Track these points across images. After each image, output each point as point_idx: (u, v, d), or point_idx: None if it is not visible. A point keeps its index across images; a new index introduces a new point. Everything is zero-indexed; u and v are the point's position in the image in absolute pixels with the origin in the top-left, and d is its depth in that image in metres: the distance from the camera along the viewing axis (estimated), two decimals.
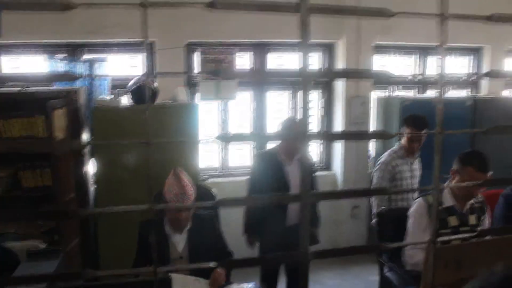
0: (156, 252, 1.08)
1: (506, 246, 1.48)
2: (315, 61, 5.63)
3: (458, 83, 6.29)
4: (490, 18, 1.24)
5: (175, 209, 2.86)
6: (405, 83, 5.92)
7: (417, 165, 4.24)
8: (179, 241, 2.97)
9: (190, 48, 5.13)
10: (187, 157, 4.22)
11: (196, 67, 5.16)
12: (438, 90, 1.26)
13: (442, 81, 1.20)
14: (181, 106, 4.43)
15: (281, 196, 1.01)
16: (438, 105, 1.21)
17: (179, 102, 4.50)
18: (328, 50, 5.59)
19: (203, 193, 3.55)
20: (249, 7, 1.00)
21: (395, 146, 4.27)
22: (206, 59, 5.14)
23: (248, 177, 4.13)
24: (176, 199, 2.78)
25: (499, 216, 3.65)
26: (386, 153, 4.26)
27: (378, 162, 4.30)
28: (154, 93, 4.38)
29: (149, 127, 1.01)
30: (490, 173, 2.88)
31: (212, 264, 1.00)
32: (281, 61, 5.53)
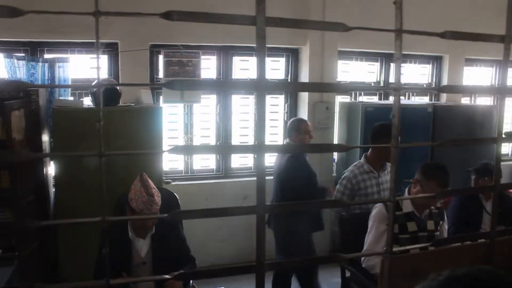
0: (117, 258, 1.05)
1: (462, 254, 1.52)
2: (281, 65, 5.66)
3: (418, 90, 6.43)
4: (443, 35, 1.27)
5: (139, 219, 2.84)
6: (361, 89, 5.98)
7: (387, 176, 4.01)
8: (142, 246, 2.94)
9: (154, 50, 5.07)
10: (150, 160, 4.17)
11: (160, 70, 5.11)
12: (395, 101, 1.28)
13: (398, 94, 1.23)
14: (145, 109, 4.37)
15: (236, 208, 1.00)
16: (394, 120, 1.24)
17: (142, 105, 4.44)
18: (293, 55, 5.62)
19: (167, 197, 3.51)
20: (205, 19, 1.00)
21: (361, 160, 4.06)
22: (170, 62, 5.10)
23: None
24: (144, 206, 2.76)
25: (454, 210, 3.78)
26: (350, 168, 4.06)
27: (342, 176, 4.09)
28: (117, 95, 4.31)
29: (101, 138, 0.99)
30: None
31: (168, 276, 0.99)
32: (246, 64, 5.51)
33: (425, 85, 6.45)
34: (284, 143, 4.65)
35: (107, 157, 0.97)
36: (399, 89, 1.21)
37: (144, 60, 4.95)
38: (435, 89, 6.27)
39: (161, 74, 5.09)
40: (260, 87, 1.03)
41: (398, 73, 1.24)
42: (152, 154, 4.29)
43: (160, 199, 2.87)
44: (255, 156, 1.07)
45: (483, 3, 5.80)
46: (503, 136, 1.45)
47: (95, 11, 0.95)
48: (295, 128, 4.28)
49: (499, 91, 1.43)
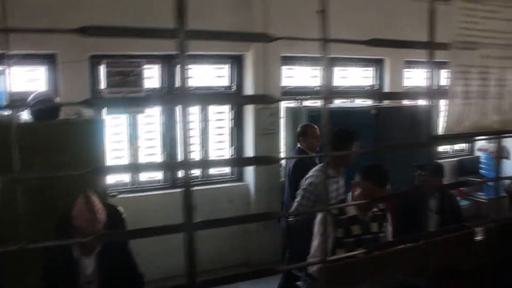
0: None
1: (399, 258, 1.54)
2: (225, 72, 5.64)
3: (350, 95, 6.55)
4: (369, 43, 1.29)
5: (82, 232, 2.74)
6: (295, 97, 5.99)
7: (342, 182, 4.04)
8: (88, 265, 2.85)
9: (95, 60, 4.94)
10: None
11: (102, 81, 4.98)
12: (323, 108, 1.29)
13: (327, 102, 1.24)
14: (85, 121, 4.24)
15: (162, 227, 0.97)
16: (324, 129, 1.24)
17: (83, 118, 4.31)
18: (237, 61, 5.62)
19: (111, 212, 3.42)
20: (124, 34, 0.97)
21: (322, 164, 3.87)
22: (112, 72, 4.98)
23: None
24: (87, 224, 2.67)
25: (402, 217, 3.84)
26: (314, 173, 3.94)
27: (308, 181, 3.94)
28: (56, 109, 4.16)
29: (17, 164, 0.93)
30: (388, 187, 3.03)
31: None
32: (190, 73, 5.46)
33: (367, 88, 6.59)
34: (296, 148, 4.79)
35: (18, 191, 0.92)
36: (328, 97, 1.22)
37: (84, 71, 4.81)
38: (366, 93, 6.40)
39: (102, 85, 4.95)
40: (181, 99, 1.01)
41: (327, 80, 1.25)
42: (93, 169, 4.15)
43: (105, 216, 2.79)
44: (181, 172, 1.05)
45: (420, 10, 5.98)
46: (433, 139, 1.48)
47: (3, 28, 0.90)
48: (303, 132, 4.58)
49: (430, 95, 1.47)
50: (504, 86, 1.62)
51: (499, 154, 7.05)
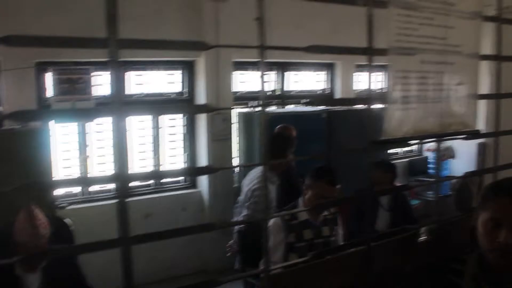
0: None
1: (342, 263, 1.55)
2: (177, 78, 5.58)
3: (294, 99, 6.59)
4: (308, 50, 1.30)
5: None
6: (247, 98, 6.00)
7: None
8: (33, 282, 2.73)
9: (41, 67, 4.79)
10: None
11: (49, 88, 4.83)
12: (261, 117, 1.28)
13: (263, 110, 1.23)
14: (30, 131, 4.09)
15: (97, 243, 0.94)
16: (261, 136, 1.24)
17: (28, 127, 4.16)
18: (189, 67, 5.57)
19: (58, 225, 3.31)
20: (50, 44, 0.93)
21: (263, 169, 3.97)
22: (59, 79, 4.84)
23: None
24: (30, 240, 2.57)
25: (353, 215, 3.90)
26: (259, 184, 3.96)
27: (255, 193, 3.97)
28: None
29: None
30: (338, 186, 3.07)
31: None
32: (141, 79, 5.37)
33: (320, 91, 6.67)
34: None
35: None
36: (265, 104, 1.21)
37: (30, 79, 4.65)
38: (305, 98, 6.49)
39: (50, 93, 4.80)
40: (115, 107, 0.98)
41: (263, 87, 1.25)
42: (41, 178, 4.02)
43: (49, 230, 2.69)
44: (116, 185, 1.02)
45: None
46: (374, 144, 1.50)
47: None
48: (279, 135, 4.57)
49: (367, 101, 1.49)
50: (442, 90, 1.66)
51: (445, 155, 7.29)
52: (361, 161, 4.60)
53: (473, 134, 1.82)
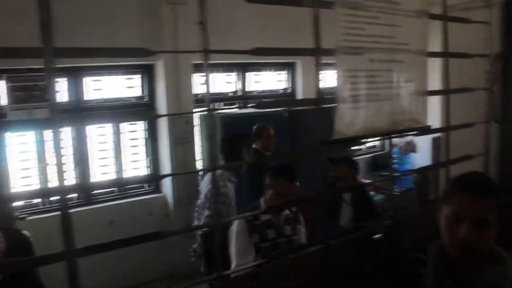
0: None
1: (299, 264, 1.55)
2: (136, 83, 5.50)
3: (273, 97, 6.64)
4: (253, 52, 1.29)
5: None
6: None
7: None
8: None
9: None
10: None
11: (3, 96, 4.68)
12: (209, 118, 1.27)
13: (210, 114, 1.22)
14: None
15: (43, 257, 0.91)
16: (209, 138, 1.23)
17: None
18: (148, 71, 5.50)
19: (15, 237, 3.22)
20: None
21: (221, 171, 3.99)
22: (14, 87, 4.71)
23: None
24: None
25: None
26: (221, 183, 3.92)
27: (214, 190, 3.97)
28: None
29: None
30: (297, 183, 3.08)
31: None
32: (99, 84, 5.27)
33: (281, 91, 6.70)
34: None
35: None
36: (211, 110, 1.20)
37: None
38: (267, 98, 6.52)
39: (4, 101, 4.66)
40: (75, 119, 0.95)
41: (208, 89, 1.25)
42: None
43: (4, 243, 2.61)
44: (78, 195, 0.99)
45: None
46: (324, 144, 1.51)
47: None
48: (256, 134, 4.86)
49: (316, 102, 1.49)
50: (392, 88, 1.68)
51: (407, 149, 7.41)
52: (323, 159, 4.68)
53: (424, 130, 1.85)
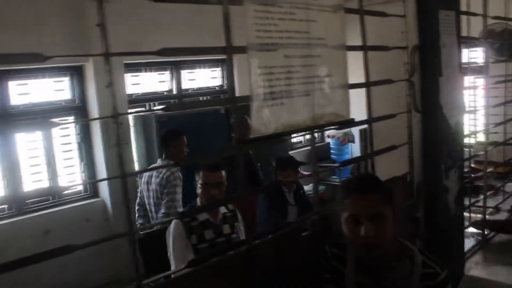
0: None
1: (224, 266, 1.52)
2: (66, 85, 5.29)
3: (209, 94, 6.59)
4: (160, 53, 1.25)
5: None
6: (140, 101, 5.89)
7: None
8: None
9: None
10: None
11: None
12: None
13: (116, 122, 1.17)
14: None
15: None
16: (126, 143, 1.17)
17: None
18: (78, 73, 5.30)
19: None
20: None
21: (171, 168, 4.18)
22: None
23: None
24: None
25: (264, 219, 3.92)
26: (176, 181, 4.15)
27: (172, 185, 4.13)
28: None
29: None
30: (221, 171, 3.11)
31: None
32: (25, 88, 5.02)
33: (217, 88, 6.65)
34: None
35: None
36: (115, 115, 1.15)
37: None
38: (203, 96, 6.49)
39: None
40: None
41: (113, 93, 1.20)
42: None
43: None
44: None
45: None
46: (242, 143, 1.49)
47: None
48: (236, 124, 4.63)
49: (229, 101, 1.47)
50: (311, 83, 1.68)
51: (345, 140, 7.56)
52: (265, 154, 4.72)
53: (346, 123, 1.86)
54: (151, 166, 4.45)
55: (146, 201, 4.38)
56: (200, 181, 3.12)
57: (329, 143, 8.08)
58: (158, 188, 4.17)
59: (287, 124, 1.58)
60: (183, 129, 4.69)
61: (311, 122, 1.68)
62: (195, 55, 5.72)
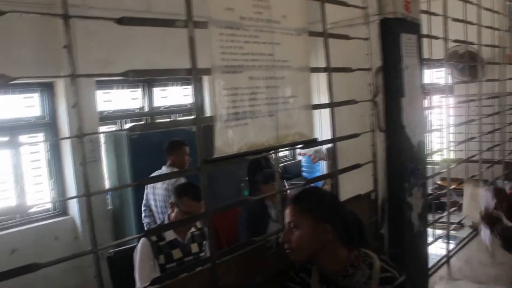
0: None
1: (187, 285, 1.54)
2: (36, 101, 5.25)
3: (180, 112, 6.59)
4: (125, 75, 1.28)
5: None
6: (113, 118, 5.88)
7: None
8: None
9: None
10: None
11: None
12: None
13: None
14: None
15: None
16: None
17: None
18: (48, 89, 5.27)
19: None
20: None
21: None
22: None
23: None
24: None
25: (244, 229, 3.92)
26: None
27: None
28: None
29: None
30: (202, 202, 3.07)
31: None
32: None
33: (189, 105, 6.67)
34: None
35: None
36: (81, 135, 1.18)
37: None
38: (174, 113, 6.51)
39: None
40: None
41: (79, 113, 1.22)
42: None
43: None
44: None
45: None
46: (205, 163, 1.52)
47: None
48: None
49: (194, 122, 1.50)
50: (274, 104, 1.72)
51: (316, 157, 7.63)
52: (234, 173, 4.77)
53: (310, 143, 1.91)
54: (156, 173, 4.63)
55: (152, 203, 4.69)
56: (182, 207, 3.09)
57: (300, 160, 8.16)
58: (166, 193, 4.51)
59: (251, 144, 1.62)
60: (154, 146, 4.73)
61: (275, 142, 1.72)
62: (161, 76, 5.76)
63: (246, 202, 3.87)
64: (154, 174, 4.48)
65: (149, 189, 4.72)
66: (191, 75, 1.44)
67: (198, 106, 1.50)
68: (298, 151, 8.08)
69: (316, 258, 1.72)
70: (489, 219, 2.86)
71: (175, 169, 4.60)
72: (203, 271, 1.53)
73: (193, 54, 1.43)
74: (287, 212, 1.73)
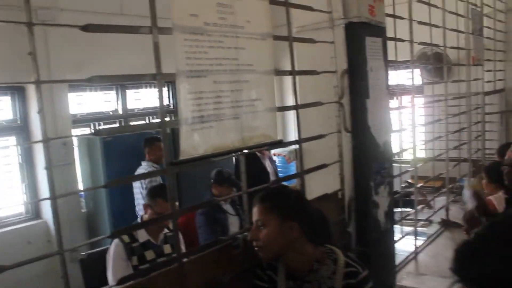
0: None
1: (153, 285, 1.57)
2: (6, 105, 5.19)
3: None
4: (90, 80, 1.31)
5: None
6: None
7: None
8: None
9: None
10: None
11: None
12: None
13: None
14: None
15: None
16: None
17: None
18: (20, 92, 5.22)
19: None
20: None
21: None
22: None
23: None
24: None
25: (204, 232, 3.94)
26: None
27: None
28: None
29: None
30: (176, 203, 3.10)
31: None
32: None
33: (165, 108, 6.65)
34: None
35: None
36: (46, 140, 1.21)
37: None
38: (148, 116, 6.52)
39: None
40: None
41: (43, 120, 1.25)
42: None
43: None
44: None
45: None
46: (172, 165, 1.56)
47: None
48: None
49: (160, 125, 1.54)
50: (239, 107, 1.77)
51: (290, 158, 7.69)
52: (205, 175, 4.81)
53: (275, 144, 1.97)
54: (138, 169, 4.92)
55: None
56: (156, 208, 3.11)
57: (275, 161, 8.21)
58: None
59: (217, 146, 1.67)
60: (127, 149, 4.74)
61: (240, 144, 1.77)
62: (127, 81, 5.81)
63: (211, 203, 3.92)
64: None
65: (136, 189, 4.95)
66: (156, 80, 1.48)
67: (163, 110, 1.53)
68: (273, 151, 8.13)
69: (284, 255, 1.78)
70: (470, 220, 2.94)
71: (155, 165, 4.94)
72: (170, 270, 1.57)
73: (158, 60, 1.47)
74: (255, 210, 1.78)
